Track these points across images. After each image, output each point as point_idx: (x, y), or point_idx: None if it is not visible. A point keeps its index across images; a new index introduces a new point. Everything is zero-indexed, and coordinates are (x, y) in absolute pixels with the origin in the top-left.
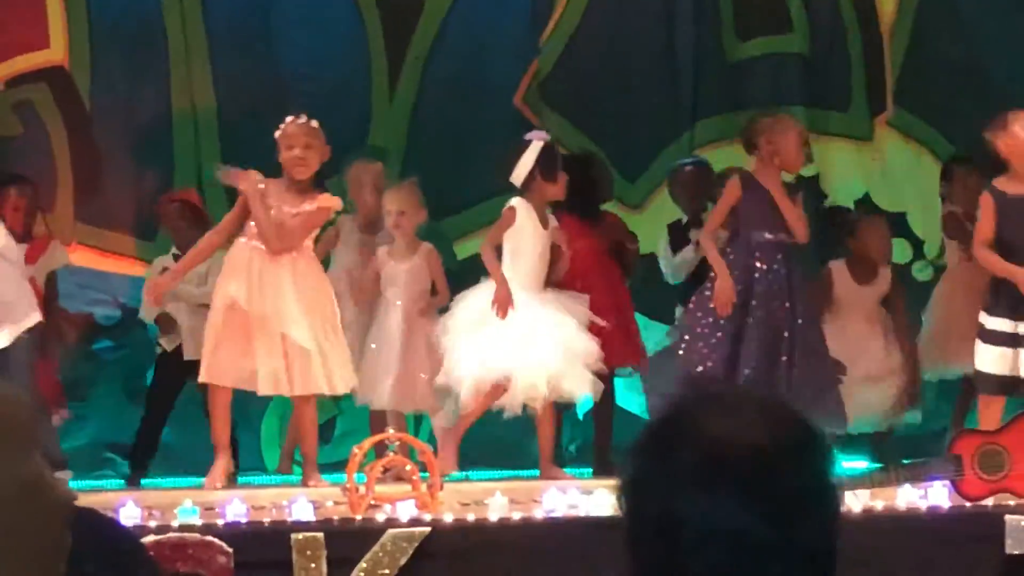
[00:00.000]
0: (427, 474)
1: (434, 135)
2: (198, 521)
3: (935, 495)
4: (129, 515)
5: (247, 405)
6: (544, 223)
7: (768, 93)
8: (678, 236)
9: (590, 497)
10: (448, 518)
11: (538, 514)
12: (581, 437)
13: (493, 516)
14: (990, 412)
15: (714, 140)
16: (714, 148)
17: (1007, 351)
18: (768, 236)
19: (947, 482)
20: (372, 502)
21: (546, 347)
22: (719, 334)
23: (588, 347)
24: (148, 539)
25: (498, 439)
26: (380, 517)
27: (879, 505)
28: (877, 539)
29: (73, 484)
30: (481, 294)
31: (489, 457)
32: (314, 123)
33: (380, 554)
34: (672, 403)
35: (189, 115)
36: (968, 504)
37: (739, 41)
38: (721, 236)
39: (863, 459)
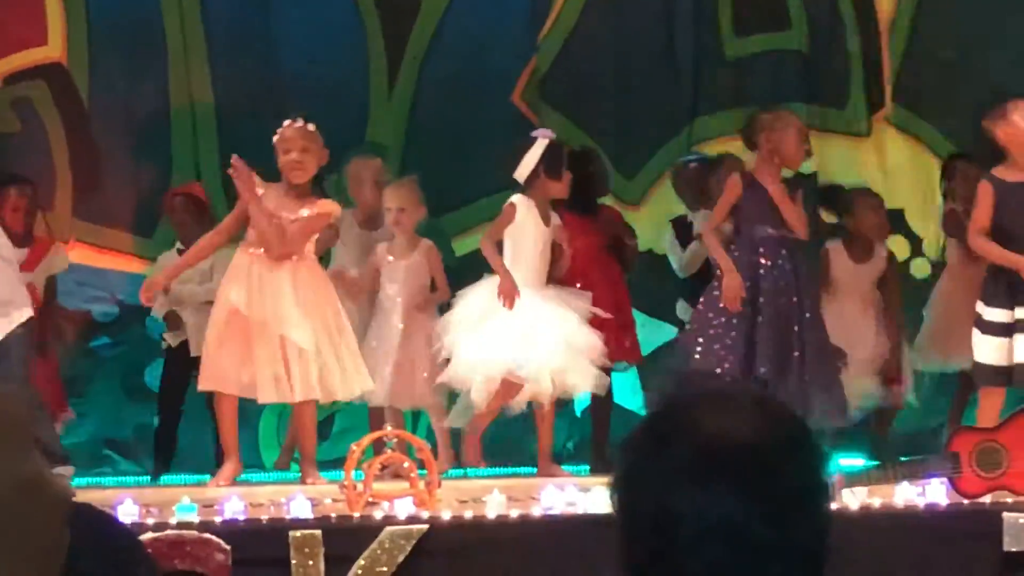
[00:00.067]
0: (425, 471)
1: (432, 133)
2: (196, 518)
3: (933, 492)
4: (127, 512)
5: (245, 403)
6: (546, 220)
7: (767, 90)
8: (683, 231)
9: (588, 494)
10: (446, 515)
11: (536, 511)
12: (579, 434)
13: (491, 513)
14: (990, 404)
15: (713, 137)
16: (713, 144)
17: (1004, 340)
18: (771, 232)
19: (945, 479)
20: (370, 499)
21: (550, 343)
22: (733, 334)
23: (591, 342)
24: (146, 536)
25: (496, 437)
26: (378, 514)
27: (877, 502)
28: (875, 536)
29: (72, 480)
30: (481, 291)
31: (487, 455)
32: (311, 127)
33: (378, 551)
34: (665, 399)
35: (187, 112)
36: (966, 501)
37: (738, 38)
38: (724, 230)
39: (861, 456)
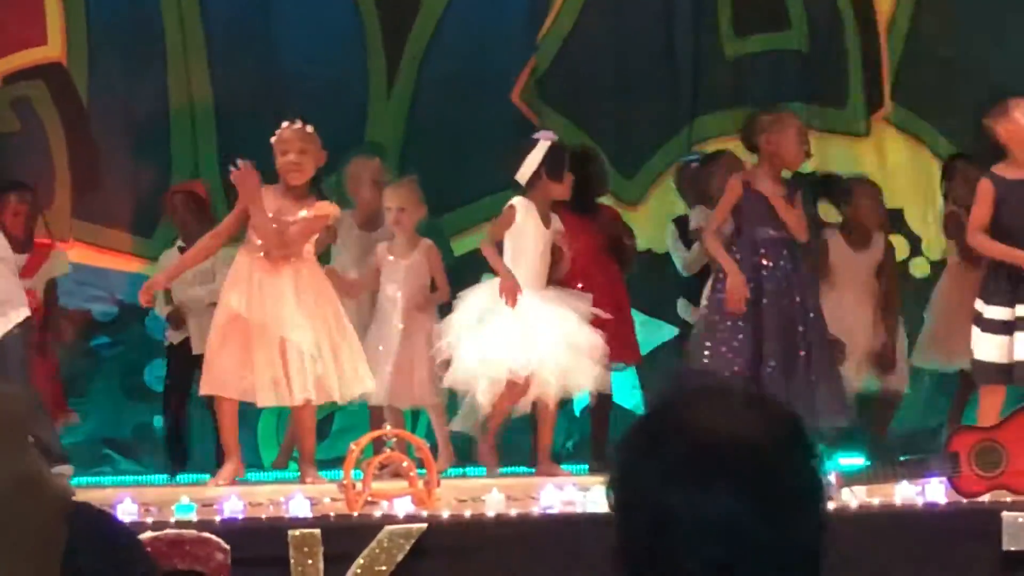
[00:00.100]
0: (424, 470)
1: (431, 132)
2: (195, 517)
3: (932, 492)
4: (126, 511)
5: (245, 403)
6: (546, 222)
7: (766, 90)
8: (686, 230)
9: (587, 494)
10: (445, 514)
11: (535, 511)
12: (578, 434)
13: (490, 512)
14: (990, 403)
15: (712, 136)
16: (713, 144)
17: (1005, 338)
18: (772, 233)
19: (944, 479)
20: (369, 499)
21: (551, 343)
22: (740, 336)
23: (593, 341)
24: (145, 535)
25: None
26: (377, 513)
27: (876, 501)
28: (874, 535)
29: (71, 480)
30: (481, 294)
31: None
32: (309, 128)
33: (377, 550)
34: (661, 398)
35: (187, 112)
36: (965, 501)
37: (737, 37)
38: (724, 231)
39: (860, 455)
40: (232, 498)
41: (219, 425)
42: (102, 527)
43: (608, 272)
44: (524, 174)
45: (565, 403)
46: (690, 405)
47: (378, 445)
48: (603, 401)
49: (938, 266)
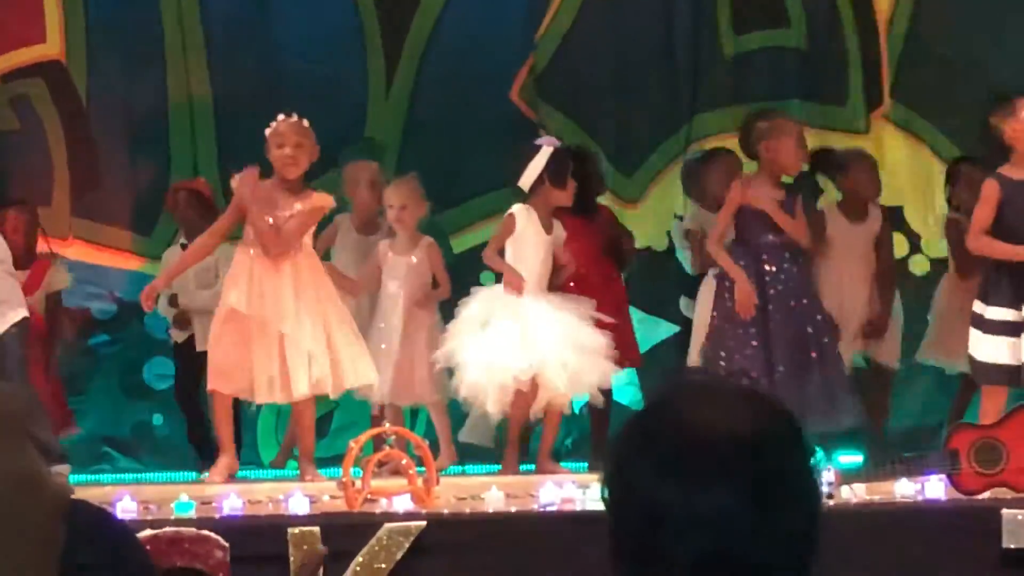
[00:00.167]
0: (423, 468)
1: (430, 130)
2: (194, 515)
3: (932, 489)
4: (126, 509)
5: (245, 401)
6: (548, 228)
7: (766, 87)
8: None
9: (586, 491)
10: (444, 512)
11: (534, 508)
12: (577, 431)
13: (489, 510)
14: (992, 404)
15: (711, 134)
16: (712, 142)
17: (1009, 340)
18: (772, 238)
19: (944, 476)
20: (368, 496)
21: (555, 345)
22: (752, 343)
23: (598, 340)
24: (144, 533)
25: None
26: (376, 511)
27: (876, 499)
28: (873, 533)
29: (70, 478)
30: (480, 301)
31: (485, 451)
32: (305, 122)
33: (376, 548)
34: (654, 394)
35: (185, 109)
36: (965, 498)
37: (737, 35)
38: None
39: (860, 453)
40: (231, 496)
41: (214, 420)
42: (100, 525)
43: (607, 275)
44: (526, 181)
45: None
46: (684, 401)
47: (377, 443)
48: (602, 399)
49: (938, 264)
